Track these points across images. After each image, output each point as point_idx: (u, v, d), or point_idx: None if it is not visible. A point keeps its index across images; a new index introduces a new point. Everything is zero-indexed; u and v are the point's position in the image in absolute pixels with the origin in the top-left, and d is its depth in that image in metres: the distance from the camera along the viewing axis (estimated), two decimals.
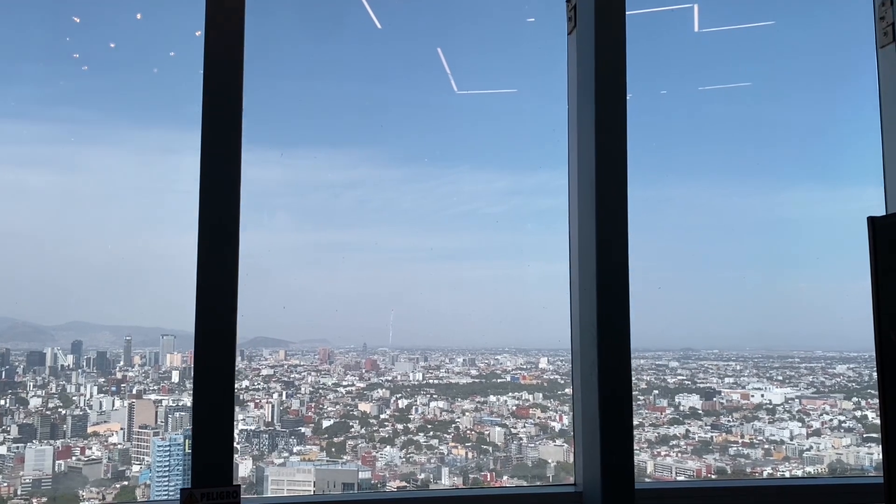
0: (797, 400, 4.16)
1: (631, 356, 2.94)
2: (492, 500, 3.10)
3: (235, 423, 3.79)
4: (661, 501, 3.11)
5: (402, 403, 3.98)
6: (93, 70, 3.61)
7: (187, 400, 3.77)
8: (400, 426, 3.89)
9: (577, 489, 3.05)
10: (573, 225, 3.18)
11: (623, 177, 3.03)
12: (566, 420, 3.86)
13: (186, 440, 3.56)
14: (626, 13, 3.10)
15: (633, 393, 4.11)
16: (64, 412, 3.71)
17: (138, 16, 3.59)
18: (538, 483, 3.78)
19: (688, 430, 4.03)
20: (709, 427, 4.06)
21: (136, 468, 3.64)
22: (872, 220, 2.93)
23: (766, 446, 4.02)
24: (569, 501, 3.03)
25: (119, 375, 3.85)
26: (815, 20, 4.19)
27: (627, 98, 3.07)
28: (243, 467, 3.69)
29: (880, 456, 3.34)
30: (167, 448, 3.58)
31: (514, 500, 3.11)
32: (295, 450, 3.77)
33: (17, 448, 3.54)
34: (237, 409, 3.82)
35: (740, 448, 4.01)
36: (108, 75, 3.68)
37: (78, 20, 3.58)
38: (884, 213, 3.38)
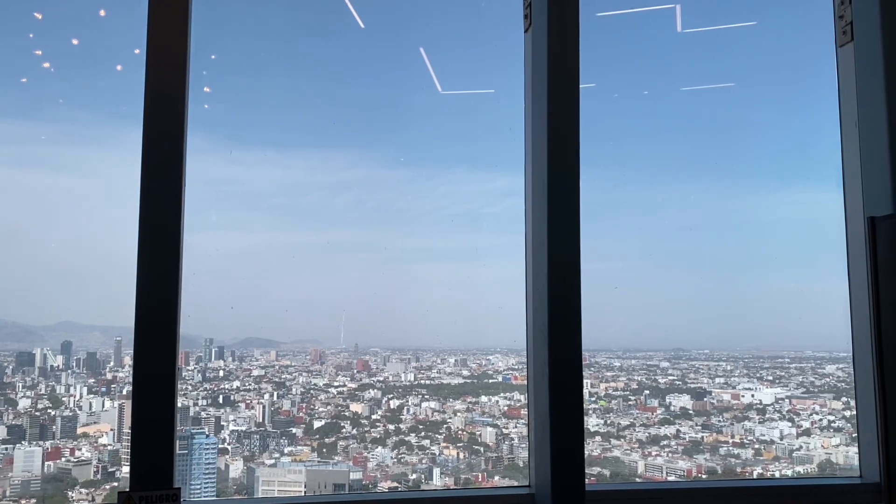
0: (787, 400, 4.18)
1: (582, 357, 2.93)
2: (447, 503, 3.09)
3: (226, 424, 3.80)
4: (611, 503, 3.10)
5: (394, 404, 3.97)
6: (56, 68, 3.60)
7: (178, 401, 3.74)
8: (391, 427, 3.89)
9: (530, 490, 3.05)
10: (528, 226, 3.18)
11: (575, 177, 3.00)
12: None
13: (177, 441, 3.54)
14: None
15: (625, 393, 4.14)
16: (53, 413, 3.69)
17: (101, 12, 3.57)
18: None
19: (678, 430, 4.05)
20: (699, 427, 4.07)
21: (126, 469, 3.62)
22: (872, 220, 2.93)
23: (757, 446, 4.03)
24: (522, 502, 3.02)
25: (109, 376, 3.83)
26: (787, 20, 4.21)
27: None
28: (234, 468, 3.68)
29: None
30: None
31: (468, 501, 3.10)
32: (286, 450, 3.76)
33: (6, 449, 3.52)
34: (228, 409, 3.82)
35: (731, 448, 4.03)
36: (73, 73, 3.66)
37: (40, 16, 3.56)
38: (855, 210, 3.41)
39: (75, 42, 3.63)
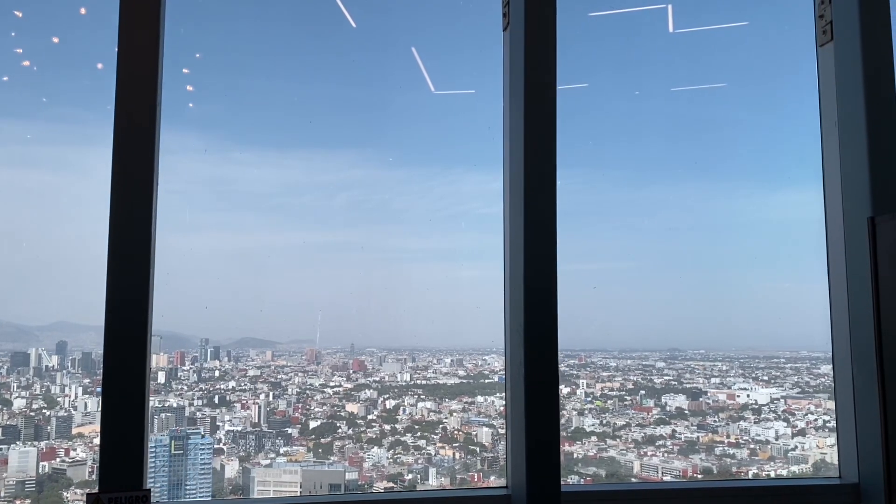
0: (782, 400, 4.19)
1: (558, 359, 2.91)
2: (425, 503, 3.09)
3: (222, 424, 3.79)
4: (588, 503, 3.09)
5: (390, 404, 3.97)
6: (37, 66, 3.59)
7: (173, 401, 3.75)
8: (387, 427, 3.89)
9: (507, 491, 3.04)
10: (506, 226, 3.17)
11: (551, 175, 2.97)
12: None
13: (173, 441, 3.54)
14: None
15: (621, 393, 4.14)
16: (48, 413, 3.68)
17: (82, 10, 3.56)
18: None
19: (674, 430, 4.05)
20: (695, 427, 4.08)
21: None
22: (872, 220, 2.94)
23: (752, 446, 4.04)
24: (498, 503, 3.01)
25: None
26: (769, 19, 4.21)
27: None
28: (230, 468, 3.68)
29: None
30: (153, 449, 3.56)
31: (445, 502, 3.10)
32: (282, 451, 3.76)
33: (1, 450, 3.51)
34: (223, 409, 3.81)
35: (726, 448, 4.03)
36: (54, 71, 3.65)
37: (20, 14, 3.55)
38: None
39: (56, 40, 3.62)
